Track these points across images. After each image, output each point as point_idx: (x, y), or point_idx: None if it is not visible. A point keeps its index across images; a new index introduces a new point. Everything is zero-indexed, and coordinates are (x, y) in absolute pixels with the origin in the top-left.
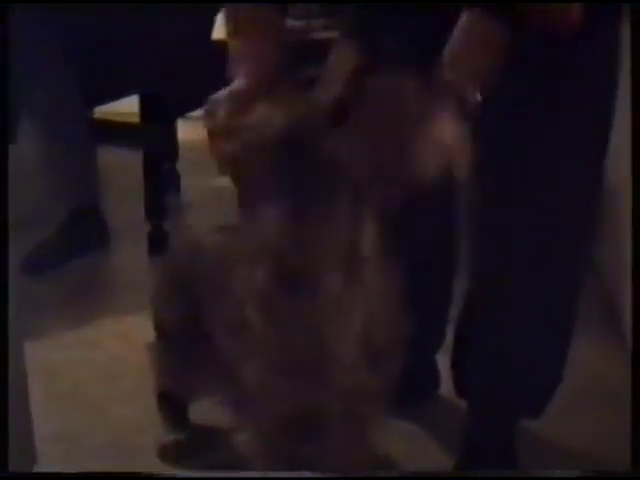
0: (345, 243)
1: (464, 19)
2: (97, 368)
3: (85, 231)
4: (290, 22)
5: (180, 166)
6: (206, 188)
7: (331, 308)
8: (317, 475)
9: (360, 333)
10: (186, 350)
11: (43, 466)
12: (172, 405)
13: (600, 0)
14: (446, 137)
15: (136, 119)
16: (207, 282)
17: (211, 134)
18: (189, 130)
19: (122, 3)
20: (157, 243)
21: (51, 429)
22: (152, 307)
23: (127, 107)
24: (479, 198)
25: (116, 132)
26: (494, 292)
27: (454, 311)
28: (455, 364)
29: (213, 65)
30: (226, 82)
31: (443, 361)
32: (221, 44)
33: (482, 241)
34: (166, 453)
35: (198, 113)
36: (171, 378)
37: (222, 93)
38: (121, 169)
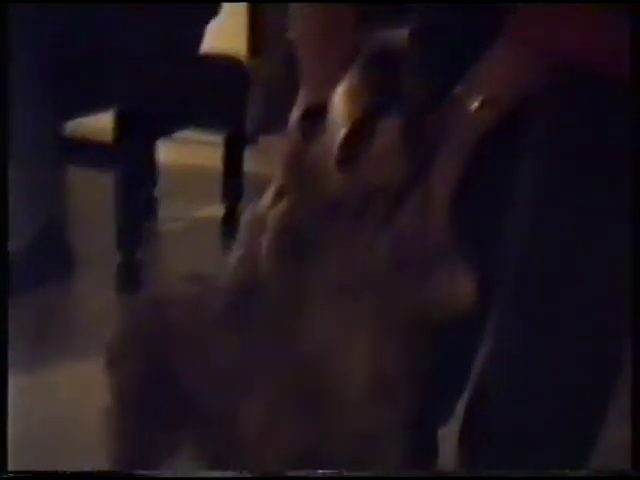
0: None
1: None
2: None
3: (48, 257)
4: None
5: (158, 192)
6: (187, 218)
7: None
8: (312, 474)
9: (366, 373)
10: (151, 412)
11: None
12: None
13: (602, 0)
14: None
15: (110, 137)
16: (183, 335)
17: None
18: (171, 152)
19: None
20: (127, 276)
21: None
22: (109, 366)
23: (102, 123)
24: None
25: (89, 151)
26: (513, 373)
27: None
28: (463, 441)
29: (199, 82)
30: (214, 102)
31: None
32: (209, 59)
33: (505, 317)
34: None
35: (181, 134)
36: (132, 448)
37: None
38: (93, 191)
